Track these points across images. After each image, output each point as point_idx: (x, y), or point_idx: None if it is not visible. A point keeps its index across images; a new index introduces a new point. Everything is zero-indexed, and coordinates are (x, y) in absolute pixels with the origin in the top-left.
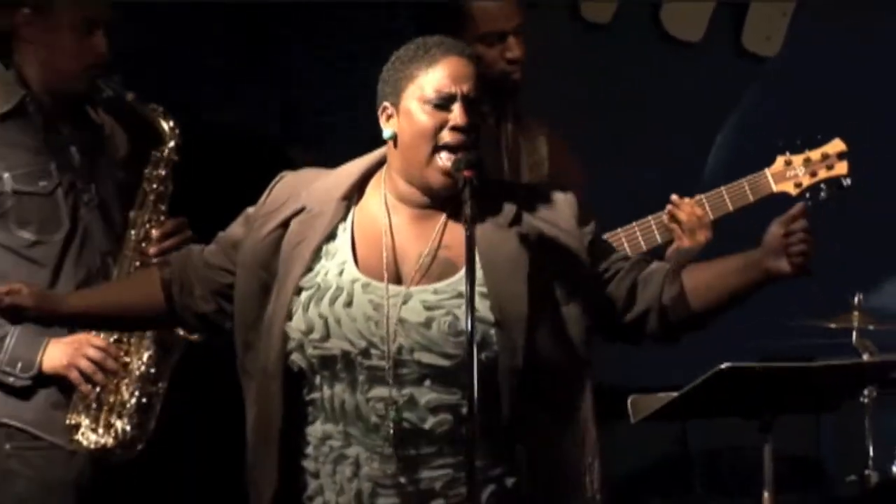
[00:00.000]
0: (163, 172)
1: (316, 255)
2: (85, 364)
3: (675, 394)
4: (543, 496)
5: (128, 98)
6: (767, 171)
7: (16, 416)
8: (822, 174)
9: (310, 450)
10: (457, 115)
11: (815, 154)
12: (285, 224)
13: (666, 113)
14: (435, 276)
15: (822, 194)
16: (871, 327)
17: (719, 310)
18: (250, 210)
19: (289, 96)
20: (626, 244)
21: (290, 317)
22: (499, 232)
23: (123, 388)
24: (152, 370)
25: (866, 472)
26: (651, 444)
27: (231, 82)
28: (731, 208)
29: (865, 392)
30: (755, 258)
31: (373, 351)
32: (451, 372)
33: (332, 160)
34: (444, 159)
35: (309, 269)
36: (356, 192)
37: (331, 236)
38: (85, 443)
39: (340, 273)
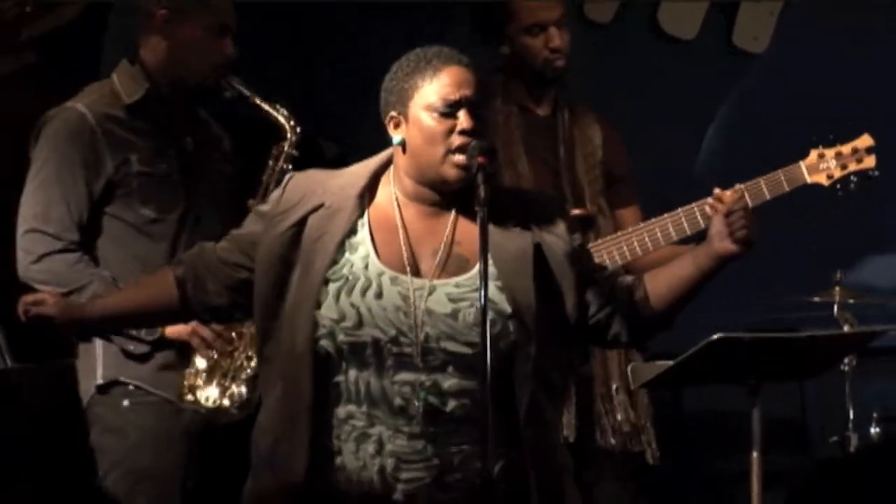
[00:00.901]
0: (283, 165)
1: (340, 249)
2: (207, 333)
3: (670, 362)
4: (541, 469)
5: (250, 97)
6: (802, 164)
7: (132, 375)
8: (853, 167)
9: (333, 429)
10: (463, 119)
11: (845, 148)
12: (303, 221)
13: (662, 105)
14: (452, 271)
15: (852, 185)
16: (850, 301)
17: (681, 304)
18: (263, 208)
19: (319, 93)
20: (671, 228)
21: (318, 305)
22: (505, 233)
23: (241, 355)
24: None
25: (847, 433)
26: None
27: (262, 79)
28: (768, 197)
29: (846, 360)
30: (705, 247)
31: (402, 339)
32: (472, 359)
33: (360, 154)
34: (458, 157)
35: (334, 261)
36: (368, 190)
37: (352, 231)
38: (203, 402)
39: (366, 266)
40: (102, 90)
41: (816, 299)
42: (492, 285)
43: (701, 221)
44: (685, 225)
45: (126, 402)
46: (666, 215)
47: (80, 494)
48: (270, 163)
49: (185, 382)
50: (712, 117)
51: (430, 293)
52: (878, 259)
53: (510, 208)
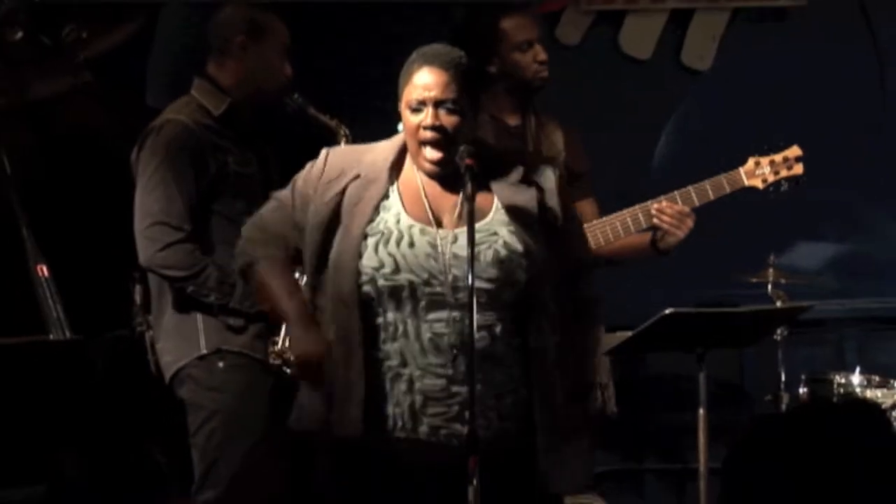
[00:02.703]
0: None
1: (375, 210)
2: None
3: (629, 333)
4: (549, 405)
5: (309, 111)
6: (741, 170)
7: (230, 342)
8: (784, 173)
9: (372, 368)
10: (425, 116)
11: (778, 157)
12: (343, 190)
13: (622, 114)
14: (474, 226)
15: (783, 188)
16: (782, 281)
17: None
18: (302, 183)
19: (322, 89)
20: (618, 226)
21: (360, 256)
22: (512, 187)
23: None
24: None
25: (779, 393)
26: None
27: None
28: (711, 197)
29: (778, 331)
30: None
31: (433, 281)
32: (493, 294)
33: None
34: (427, 152)
35: (371, 220)
36: (397, 163)
37: (385, 196)
38: (288, 367)
39: (397, 222)
40: (191, 105)
41: (753, 279)
42: (504, 230)
43: (643, 221)
44: (641, 221)
45: (221, 364)
46: (625, 210)
47: (139, 453)
48: None
49: (274, 349)
50: (664, 125)
51: (453, 241)
52: (805, 244)
53: (515, 168)
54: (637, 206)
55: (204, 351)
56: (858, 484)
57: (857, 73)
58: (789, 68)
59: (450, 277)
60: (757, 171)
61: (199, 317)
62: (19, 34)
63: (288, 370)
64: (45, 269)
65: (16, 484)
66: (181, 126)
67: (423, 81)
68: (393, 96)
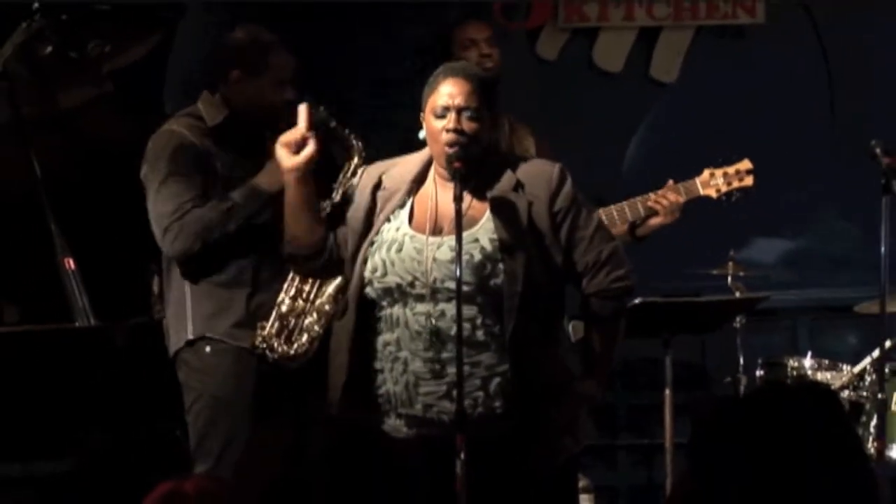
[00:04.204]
0: (352, 179)
1: (387, 220)
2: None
3: None
4: (533, 388)
5: (331, 124)
6: (697, 180)
7: (212, 330)
8: (735, 184)
9: (378, 354)
10: (448, 121)
11: (730, 169)
12: (373, 198)
13: (595, 122)
14: (462, 228)
15: (734, 198)
16: (741, 273)
17: None
18: (354, 183)
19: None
20: (616, 215)
21: (365, 262)
22: (504, 194)
23: (314, 312)
24: (332, 301)
25: (738, 375)
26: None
27: None
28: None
29: (737, 319)
30: None
31: (416, 283)
32: (470, 294)
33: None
34: (449, 151)
35: (381, 228)
36: (421, 175)
37: (401, 206)
38: (270, 352)
39: (398, 229)
40: (188, 115)
41: (715, 272)
42: (486, 238)
43: (641, 212)
44: (627, 213)
45: (208, 349)
46: (624, 202)
47: (159, 431)
48: (341, 176)
49: (262, 333)
50: (634, 132)
51: (438, 247)
52: (762, 241)
53: (509, 173)
54: (624, 202)
55: (190, 336)
56: (811, 464)
57: (810, 84)
58: (748, 80)
59: (430, 279)
60: (711, 182)
61: (189, 304)
62: (49, 49)
63: (271, 356)
64: (71, 262)
65: (42, 458)
66: (169, 134)
67: (448, 90)
68: (381, 100)
